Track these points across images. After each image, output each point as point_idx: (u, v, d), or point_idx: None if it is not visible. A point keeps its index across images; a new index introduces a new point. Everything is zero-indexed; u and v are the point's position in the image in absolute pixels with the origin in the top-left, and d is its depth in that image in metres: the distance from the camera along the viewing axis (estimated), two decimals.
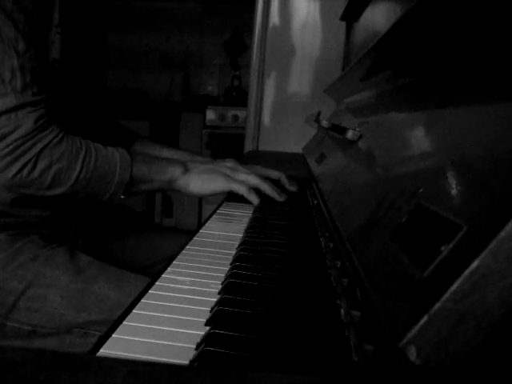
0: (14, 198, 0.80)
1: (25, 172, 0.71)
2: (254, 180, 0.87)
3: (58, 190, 0.75)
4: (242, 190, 0.85)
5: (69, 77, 0.84)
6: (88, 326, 0.72)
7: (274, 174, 0.99)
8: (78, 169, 0.74)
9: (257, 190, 0.88)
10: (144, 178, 0.82)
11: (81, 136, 0.78)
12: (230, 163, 0.91)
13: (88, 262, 0.78)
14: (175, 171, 0.85)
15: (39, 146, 0.72)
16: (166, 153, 1.05)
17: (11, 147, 0.70)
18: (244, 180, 0.86)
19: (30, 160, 0.71)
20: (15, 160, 0.70)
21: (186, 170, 0.86)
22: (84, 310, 0.72)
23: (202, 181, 0.85)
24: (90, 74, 0.94)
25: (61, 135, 0.74)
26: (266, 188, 0.88)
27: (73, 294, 0.73)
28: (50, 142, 0.73)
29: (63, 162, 0.74)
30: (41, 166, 0.72)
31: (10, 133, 0.70)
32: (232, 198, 0.98)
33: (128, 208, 1.13)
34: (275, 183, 0.95)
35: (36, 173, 0.72)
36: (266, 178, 0.92)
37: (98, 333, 0.71)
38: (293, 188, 0.99)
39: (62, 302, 0.73)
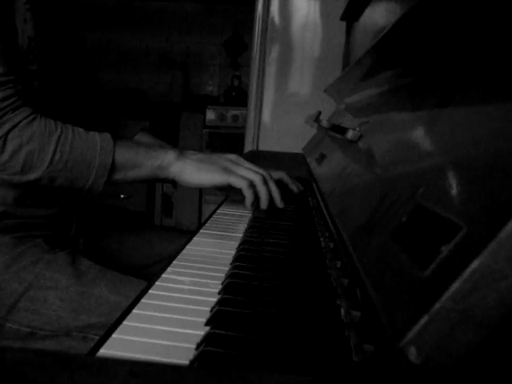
0: (17, 197, 0.79)
1: None
2: (255, 177, 0.79)
3: (33, 175, 0.71)
4: (241, 183, 0.77)
5: (47, 57, 0.80)
6: (87, 330, 0.71)
7: (276, 174, 0.94)
8: (51, 150, 0.71)
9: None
10: (130, 162, 0.75)
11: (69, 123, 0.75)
12: (232, 156, 0.83)
13: (89, 265, 0.78)
14: (167, 156, 0.77)
15: (7, 126, 0.69)
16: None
17: None
18: (245, 175, 0.78)
19: None
20: None
21: (181, 156, 0.78)
22: (83, 313, 0.72)
23: (198, 169, 0.77)
24: (72, 58, 0.90)
25: (32, 116, 0.71)
26: (260, 190, 0.79)
27: (72, 296, 0.73)
28: (20, 122, 0.70)
29: (34, 143, 0.70)
30: (10, 147, 0.69)
31: None
32: (232, 198, 0.98)
33: (128, 209, 1.13)
34: (277, 183, 0.93)
35: (6, 155, 0.69)
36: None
37: (96, 337, 0.70)
38: (295, 188, 0.97)
39: (61, 305, 0.72)
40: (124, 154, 0.75)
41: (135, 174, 0.77)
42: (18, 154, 0.70)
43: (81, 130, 0.74)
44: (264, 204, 0.80)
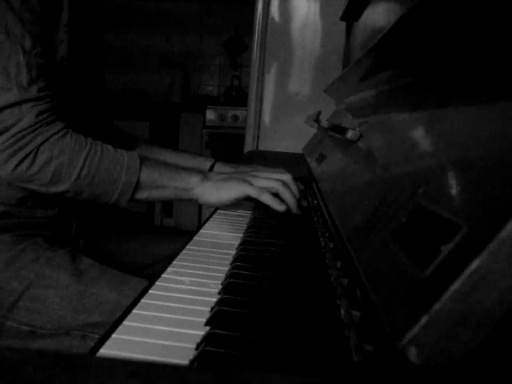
0: (20, 198, 0.80)
1: (24, 166, 0.71)
2: (275, 184, 0.80)
3: (61, 187, 0.74)
4: (255, 193, 0.77)
5: (75, 75, 0.84)
6: (87, 329, 0.71)
7: (277, 172, 0.96)
8: (79, 165, 0.73)
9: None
10: (155, 183, 0.78)
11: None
12: (250, 168, 0.85)
13: (89, 264, 0.78)
14: (192, 179, 0.80)
15: (39, 139, 0.71)
16: (167, 155, 1.04)
17: (12, 140, 0.70)
18: (262, 185, 0.79)
19: (29, 153, 0.71)
20: (15, 153, 0.70)
21: (205, 179, 0.80)
22: (83, 312, 0.72)
23: (217, 189, 0.79)
24: (93, 73, 0.94)
25: (64, 131, 0.74)
26: (286, 196, 0.80)
27: (72, 295, 0.73)
28: (51, 136, 0.72)
29: (64, 157, 0.73)
30: (40, 160, 0.71)
31: (12, 126, 0.70)
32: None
33: (127, 209, 1.13)
34: None
35: (36, 167, 0.71)
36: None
37: (96, 336, 0.70)
38: (300, 186, 0.97)
39: (61, 303, 0.73)
40: (149, 175, 0.77)
41: (159, 194, 0.79)
42: (48, 167, 0.72)
43: (109, 147, 0.77)
44: (294, 208, 0.81)
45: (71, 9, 0.80)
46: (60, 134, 0.73)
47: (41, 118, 0.72)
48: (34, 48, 0.72)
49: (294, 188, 0.82)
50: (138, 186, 0.76)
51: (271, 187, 0.80)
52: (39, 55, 0.73)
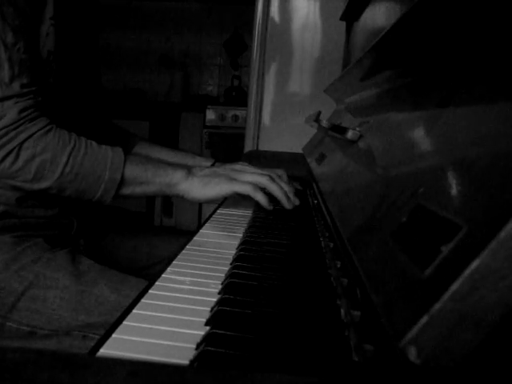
0: (19, 197, 0.80)
1: (7, 162, 0.70)
2: (261, 179, 0.78)
3: (44, 184, 0.73)
4: (247, 189, 0.76)
5: (63, 70, 0.83)
6: (87, 329, 0.71)
7: (275, 172, 0.94)
8: (63, 162, 0.72)
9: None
10: (139, 179, 0.77)
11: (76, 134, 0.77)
12: (238, 165, 0.83)
13: (89, 265, 0.78)
14: (176, 174, 0.78)
15: (22, 136, 0.70)
16: (166, 154, 1.04)
17: None
18: (250, 181, 0.78)
19: (12, 150, 0.70)
20: None
21: (189, 174, 0.79)
22: (83, 313, 0.72)
23: (204, 184, 0.78)
24: (84, 69, 0.93)
25: (48, 127, 0.73)
26: (274, 189, 0.79)
27: (72, 295, 0.73)
28: (35, 133, 0.71)
29: (47, 154, 0.72)
30: (23, 156, 0.71)
31: None
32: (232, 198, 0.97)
33: (128, 210, 1.13)
34: None
35: (19, 164, 0.71)
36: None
37: (96, 336, 0.70)
38: (297, 186, 0.98)
39: (61, 304, 0.73)
40: (133, 170, 0.77)
41: (143, 190, 0.79)
42: (31, 164, 0.71)
43: (94, 143, 0.76)
44: (284, 201, 0.79)
45: (57, 1, 0.78)
46: (43, 130, 0.72)
47: (24, 114, 0.71)
48: (16, 43, 0.71)
49: (282, 182, 0.81)
50: (122, 182, 0.76)
51: (258, 182, 0.78)
52: (22, 50, 0.72)
